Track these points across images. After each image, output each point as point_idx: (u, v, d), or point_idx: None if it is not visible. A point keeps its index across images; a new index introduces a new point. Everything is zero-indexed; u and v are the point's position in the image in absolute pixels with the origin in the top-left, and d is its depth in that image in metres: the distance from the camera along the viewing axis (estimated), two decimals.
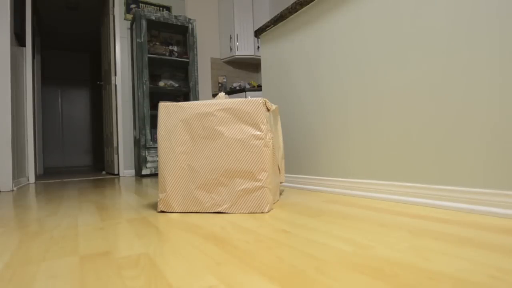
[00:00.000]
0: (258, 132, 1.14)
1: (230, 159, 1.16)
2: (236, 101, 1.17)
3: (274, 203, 1.29)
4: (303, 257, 0.64)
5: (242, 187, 1.14)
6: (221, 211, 1.15)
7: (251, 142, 1.14)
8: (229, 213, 1.14)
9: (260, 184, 1.13)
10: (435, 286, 0.48)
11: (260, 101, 1.15)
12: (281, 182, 1.51)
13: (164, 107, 1.23)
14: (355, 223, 0.91)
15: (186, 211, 1.19)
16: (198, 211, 1.17)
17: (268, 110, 1.23)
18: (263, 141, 1.14)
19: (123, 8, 3.52)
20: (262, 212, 1.12)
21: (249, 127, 1.15)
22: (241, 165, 1.15)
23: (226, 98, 1.37)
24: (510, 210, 0.89)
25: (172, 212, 1.19)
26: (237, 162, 1.15)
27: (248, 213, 1.13)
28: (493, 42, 0.94)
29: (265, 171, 1.13)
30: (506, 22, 0.91)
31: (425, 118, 1.13)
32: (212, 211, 1.16)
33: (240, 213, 1.14)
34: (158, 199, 1.21)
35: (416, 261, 0.59)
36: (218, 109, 1.18)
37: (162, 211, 1.21)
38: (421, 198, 1.13)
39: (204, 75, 3.98)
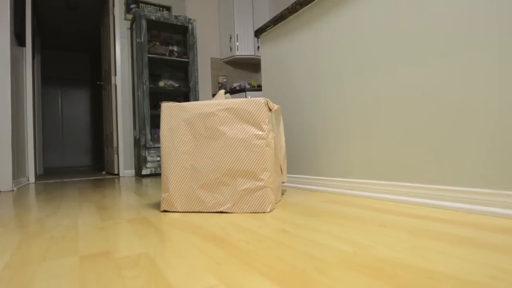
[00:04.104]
0: (260, 132, 1.15)
1: (232, 159, 1.16)
2: (238, 101, 1.17)
3: (276, 203, 1.29)
4: (303, 257, 0.64)
5: (244, 187, 1.14)
6: (224, 210, 1.15)
7: (253, 142, 1.14)
8: (232, 212, 1.15)
9: (262, 183, 1.13)
10: (435, 286, 0.48)
11: (262, 101, 1.16)
12: (283, 182, 1.52)
13: (167, 107, 1.24)
14: (355, 223, 0.91)
15: (188, 211, 1.19)
16: (200, 210, 1.18)
17: (270, 110, 1.23)
18: (265, 141, 1.14)
19: (123, 8, 3.52)
20: (264, 212, 1.12)
21: (251, 126, 1.15)
22: (243, 164, 1.15)
23: (226, 96, 1.38)
24: (510, 210, 0.89)
25: (174, 212, 1.20)
26: (239, 162, 1.15)
27: (250, 213, 1.13)
28: (493, 43, 0.94)
29: (267, 170, 1.14)
30: (505, 23, 0.91)
31: (425, 118, 1.13)
32: (215, 210, 1.16)
33: (242, 212, 1.14)
34: (161, 199, 1.22)
35: (416, 261, 0.59)
36: (220, 109, 1.18)
37: (165, 211, 1.22)
38: (421, 198, 1.13)
39: (204, 75, 3.98)
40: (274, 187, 1.19)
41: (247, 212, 1.14)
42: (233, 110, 1.17)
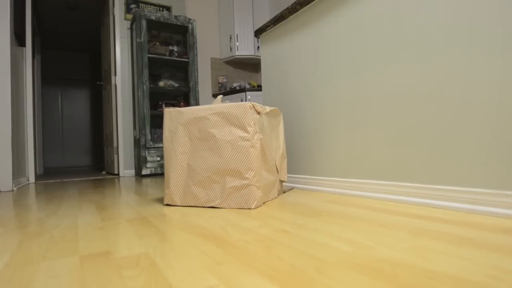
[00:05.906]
0: (245, 134, 1.23)
1: (221, 159, 1.26)
2: (227, 106, 1.27)
3: (268, 200, 1.37)
4: (303, 257, 0.64)
5: (232, 185, 1.23)
6: (214, 206, 1.27)
7: (239, 143, 1.24)
8: (221, 208, 1.24)
9: (247, 182, 1.22)
10: (435, 286, 0.48)
11: (248, 105, 1.25)
12: (283, 181, 1.56)
13: (168, 112, 1.39)
14: (355, 223, 0.91)
15: (185, 205, 1.32)
16: (195, 205, 1.30)
17: (259, 113, 1.31)
18: (249, 142, 1.23)
19: (123, 8, 3.52)
20: (249, 208, 1.20)
21: (237, 129, 1.25)
22: (231, 164, 1.24)
23: (222, 101, 1.45)
24: (510, 210, 0.89)
25: (174, 205, 1.31)
26: (227, 162, 1.25)
27: (237, 208, 1.22)
28: (494, 42, 0.94)
29: (251, 170, 1.22)
30: (506, 21, 0.91)
31: (425, 118, 1.13)
32: (207, 205, 1.28)
33: (230, 208, 1.23)
34: (164, 194, 1.36)
35: (416, 261, 0.59)
36: (211, 113, 1.29)
37: (167, 204, 1.35)
38: (421, 198, 1.13)
39: (204, 75, 3.98)
40: (260, 185, 1.26)
41: (234, 208, 1.22)
42: (222, 114, 1.27)
